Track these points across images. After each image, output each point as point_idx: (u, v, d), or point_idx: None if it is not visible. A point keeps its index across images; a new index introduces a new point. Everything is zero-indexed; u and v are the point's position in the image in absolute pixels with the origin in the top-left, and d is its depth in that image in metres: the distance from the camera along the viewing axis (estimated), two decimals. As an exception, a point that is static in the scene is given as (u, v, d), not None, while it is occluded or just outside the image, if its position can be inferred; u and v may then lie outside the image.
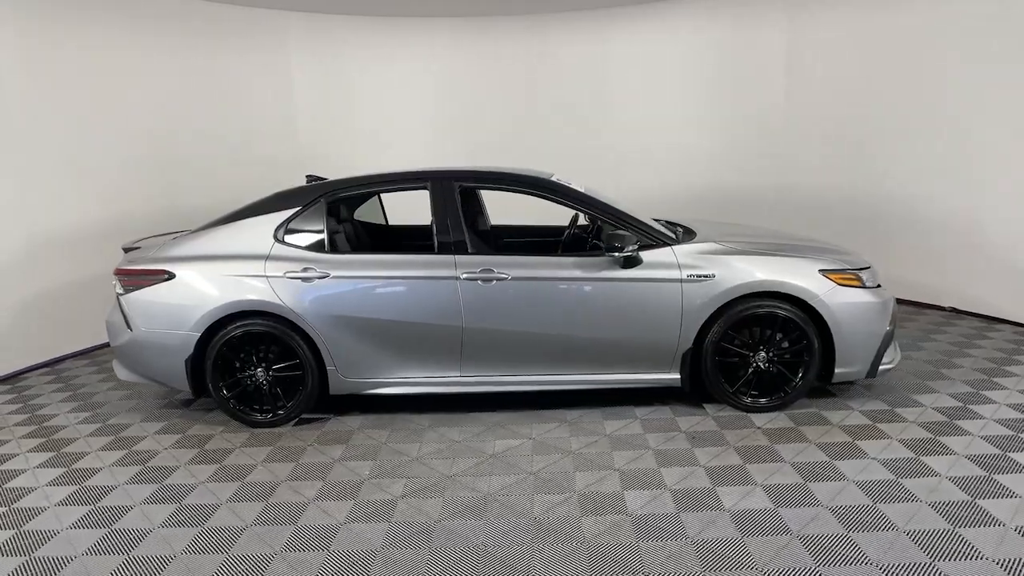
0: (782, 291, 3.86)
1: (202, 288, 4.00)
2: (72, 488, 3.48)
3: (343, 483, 3.42)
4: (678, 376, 4.01)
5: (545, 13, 7.50)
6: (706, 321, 3.92)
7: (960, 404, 4.01)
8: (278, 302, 3.96)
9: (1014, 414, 3.84)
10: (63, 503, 3.33)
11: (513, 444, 3.76)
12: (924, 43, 5.85)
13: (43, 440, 4.09)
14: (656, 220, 4.95)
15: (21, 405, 4.69)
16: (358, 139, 7.52)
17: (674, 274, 3.89)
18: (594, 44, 7.55)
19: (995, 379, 4.39)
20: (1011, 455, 3.36)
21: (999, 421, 3.75)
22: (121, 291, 4.13)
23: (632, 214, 4.12)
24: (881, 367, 4.01)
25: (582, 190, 4.24)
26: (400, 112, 7.65)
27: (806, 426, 3.81)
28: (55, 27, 5.46)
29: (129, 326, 4.10)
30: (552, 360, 4.03)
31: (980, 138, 5.55)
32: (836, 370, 3.95)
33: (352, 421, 4.17)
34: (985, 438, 3.56)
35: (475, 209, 5.38)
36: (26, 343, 5.36)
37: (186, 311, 4.00)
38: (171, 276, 4.04)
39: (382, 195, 5.19)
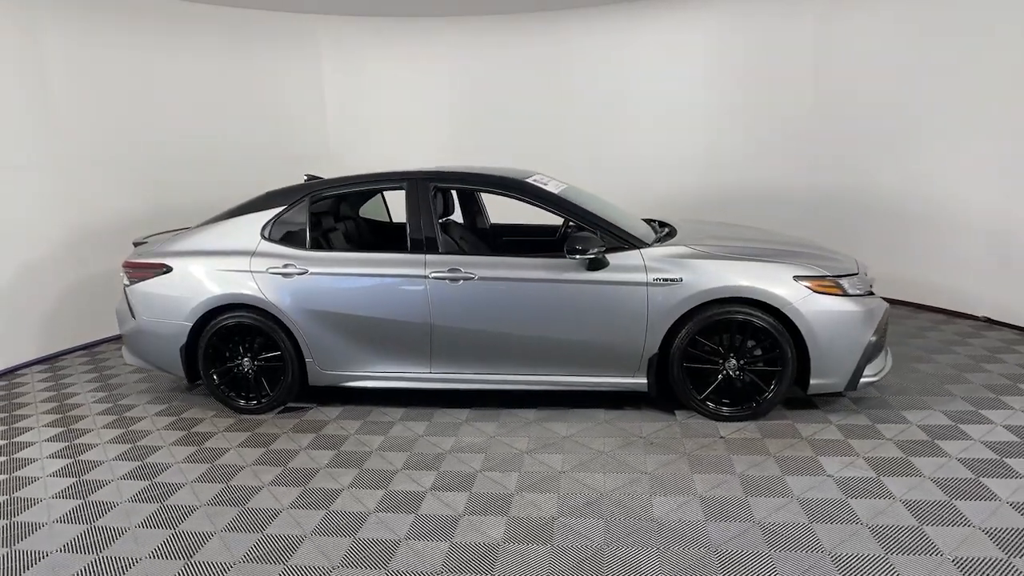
0: (751, 297, 3.73)
1: (194, 281, 4.27)
2: (66, 461, 3.82)
3: (300, 470, 3.59)
4: (645, 381, 3.95)
5: (566, 9, 7.44)
6: (674, 326, 3.85)
7: (951, 423, 3.76)
8: (261, 296, 4.18)
9: (1008, 437, 3.57)
10: (55, 474, 3.67)
11: (470, 441, 3.83)
12: (963, 38, 5.45)
13: (59, 416, 4.49)
14: (650, 221, 4.91)
15: (52, 383, 5.15)
16: (383, 137, 7.73)
17: (640, 277, 3.84)
18: (616, 41, 7.43)
19: (1003, 397, 4.08)
20: (983, 480, 3.14)
21: (987, 443, 3.50)
22: (127, 282, 4.46)
23: (603, 216, 4.09)
24: (863, 380, 3.81)
25: (556, 192, 4.24)
26: (422, 110, 7.81)
27: (771, 438, 3.68)
28: (97, 31, 5.92)
29: (133, 315, 4.44)
30: (519, 360, 4.06)
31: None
32: (811, 381, 3.79)
33: (331, 412, 4.35)
34: (963, 460, 3.33)
35: (474, 209, 5.46)
36: (67, 328, 5.85)
37: (180, 302, 4.28)
38: (169, 269, 4.34)
39: (364, 194, 5.26)
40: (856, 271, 3.96)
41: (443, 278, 4.02)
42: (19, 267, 5.50)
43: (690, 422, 3.93)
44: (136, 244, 4.71)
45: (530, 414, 4.17)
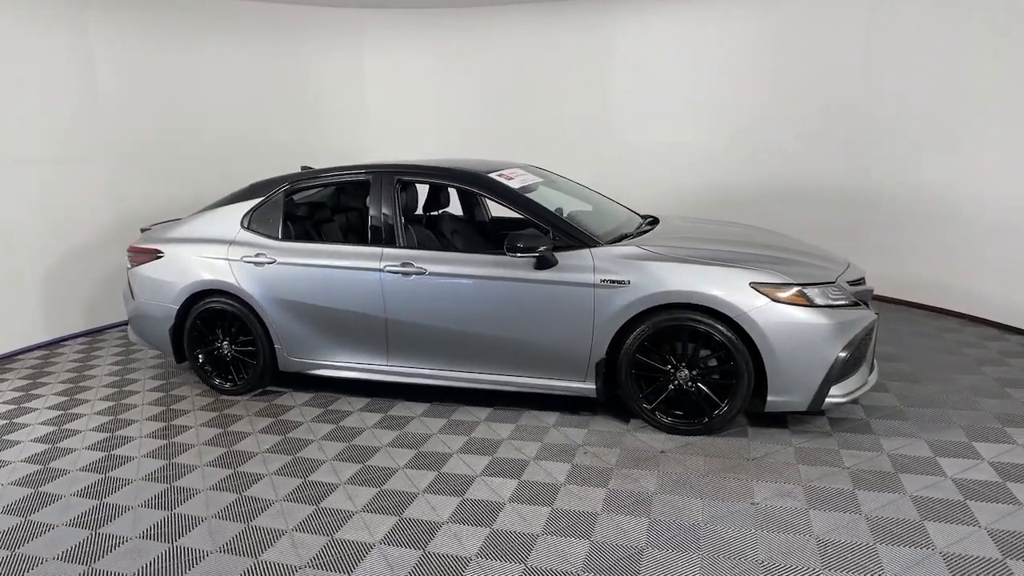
0: (700, 303, 3.45)
1: (180, 267, 4.53)
2: (51, 428, 4.17)
3: (240, 453, 3.72)
4: (593, 386, 3.77)
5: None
6: (623, 330, 3.63)
7: (930, 455, 3.31)
8: (235, 283, 4.35)
9: (988, 476, 3.09)
10: (36, 440, 4.02)
11: (411, 437, 3.81)
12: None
13: (71, 386, 4.91)
14: (644, 217, 4.69)
15: (84, 355, 5.64)
16: (418, 128, 7.80)
17: (587, 278, 3.65)
18: (652, 31, 7.06)
19: (1009, 429, 3.54)
20: (928, 524, 2.74)
21: (959, 481, 3.05)
22: (129, 266, 4.80)
23: (556, 212, 3.94)
24: (829, 399, 3.43)
25: (517, 187, 4.11)
26: (458, 101, 7.78)
27: (713, 456, 3.40)
28: (143, 30, 6.35)
29: (133, 296, 4.77)
30: (470, 358, 3.99)
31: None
32: (768, 398, 3.46)
33: (301, 398, 4.48)
34: (917, 499, 2.93)
35: (472, 202, 5.41)
36: (109, 305, 6.37)
37: (168, 286, 4.55)
38: (161, 255, 4.62)
39: (345, 186, 5.25)
40: (831, 280, 3.56)
41: (396, 272, 4.01)
42: (69, 249, 6.05)
43: (638, 433, 3.71)
44: (143, 230, 5.05)
45: (483, 412, 4.09)
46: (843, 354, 3.39)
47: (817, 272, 3.61)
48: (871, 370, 3.71)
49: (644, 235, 4.04)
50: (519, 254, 3.67)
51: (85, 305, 6.23)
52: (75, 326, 6.18)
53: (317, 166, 6.61)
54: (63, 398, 4.68)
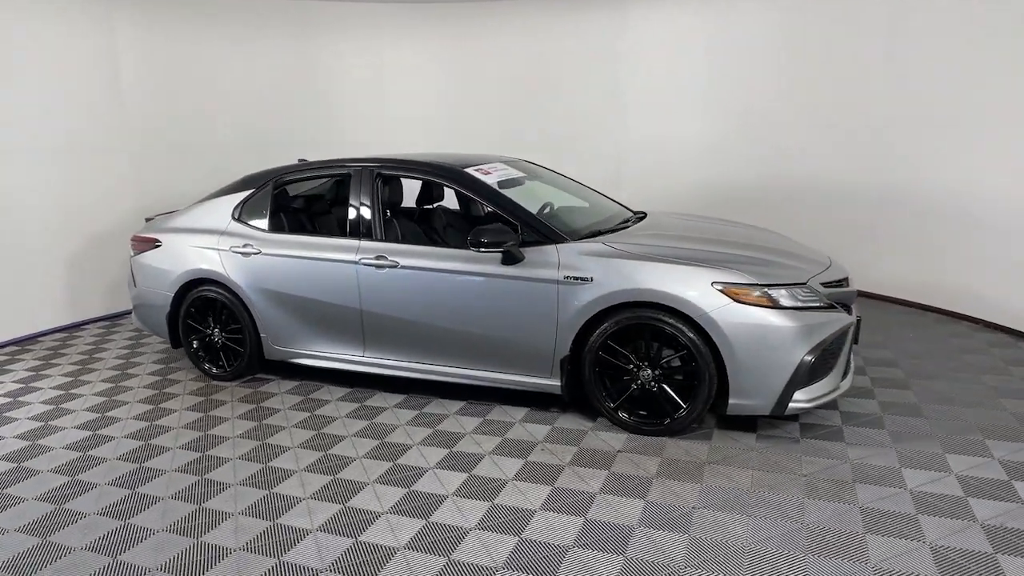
0: (661, 302, 3.38)
1: (176, 256, 4.70)
2: (49, 407, 4.39)
3: (214, 438, 3.84)
4: (558, 383, 3.74)
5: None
6: (587, 328, 3.60)
7: (896, 465, 3.17)
8: (224, 273, 4.49)
9: (951, 490, 2.94)
10: (32, 417, 4.24)
11: (376, 428, 3.86)
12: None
13: (79, 368, 5.16)
14: (636, 213, 4.64)
15: (99, 339, 5.91)
16: (434, 121, 7.85)
17: (551, 274, 3.63)
18: (671, 24, 6.92)
19: (991, 440, 3.35)
20: (869, 537, 2.63)
21: (918, 494, 2.91)
22: (132, 254, 5.00)
23: (525, 208, 3.91)
24: (793, 404, 3.32)
25: (494, 182, 4.11)
26: (473, 94, 7.81)
27: (669, 459, 3.33)
28: (166, 24, 6.60)
29: (135, 283, 4.97)
30: (442, 351, 4.02)
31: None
32: (730, 401, 3.38)
33: (285, 385, 4.59)
34: (868, 510, 2.81)
35: (467, 196, 5.40)
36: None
37: (165, 274, 4.73)
38: (159, 244, 4.80)
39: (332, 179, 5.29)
40: (801, 281, 3.43)
41: (370, 264, 4.07)
42: (91, 236, 6.34)
43: (601, 432, 3.67)
44: (148, 220, 5.26)
45: (456, 406, 4.11)
46: (809, 358, 3.27)
47: (788, 272, 3.49)
48: (845, 375, 3.57)
49: (617, 232, 3.98)
50: (483, 249, 3.68)
51: (106, 290, 6.52)
52: (96, 310, 6.48)
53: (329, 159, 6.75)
54: (68, 379, 4.92)
